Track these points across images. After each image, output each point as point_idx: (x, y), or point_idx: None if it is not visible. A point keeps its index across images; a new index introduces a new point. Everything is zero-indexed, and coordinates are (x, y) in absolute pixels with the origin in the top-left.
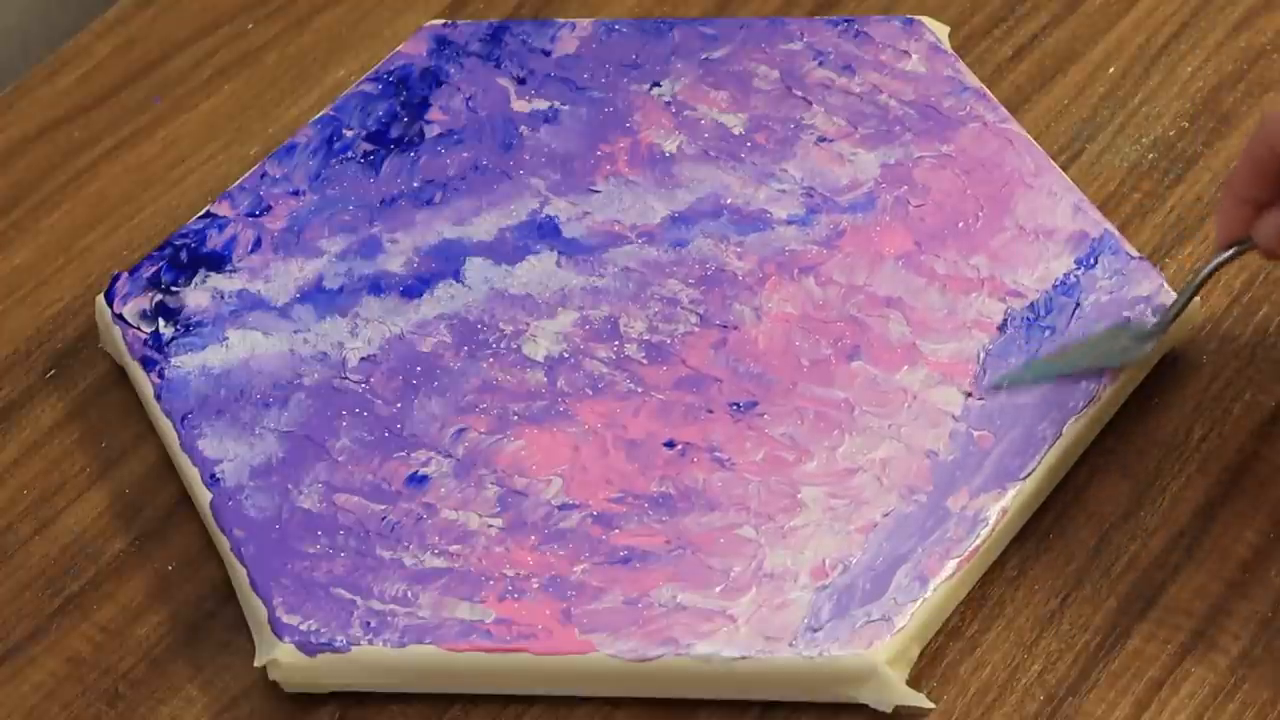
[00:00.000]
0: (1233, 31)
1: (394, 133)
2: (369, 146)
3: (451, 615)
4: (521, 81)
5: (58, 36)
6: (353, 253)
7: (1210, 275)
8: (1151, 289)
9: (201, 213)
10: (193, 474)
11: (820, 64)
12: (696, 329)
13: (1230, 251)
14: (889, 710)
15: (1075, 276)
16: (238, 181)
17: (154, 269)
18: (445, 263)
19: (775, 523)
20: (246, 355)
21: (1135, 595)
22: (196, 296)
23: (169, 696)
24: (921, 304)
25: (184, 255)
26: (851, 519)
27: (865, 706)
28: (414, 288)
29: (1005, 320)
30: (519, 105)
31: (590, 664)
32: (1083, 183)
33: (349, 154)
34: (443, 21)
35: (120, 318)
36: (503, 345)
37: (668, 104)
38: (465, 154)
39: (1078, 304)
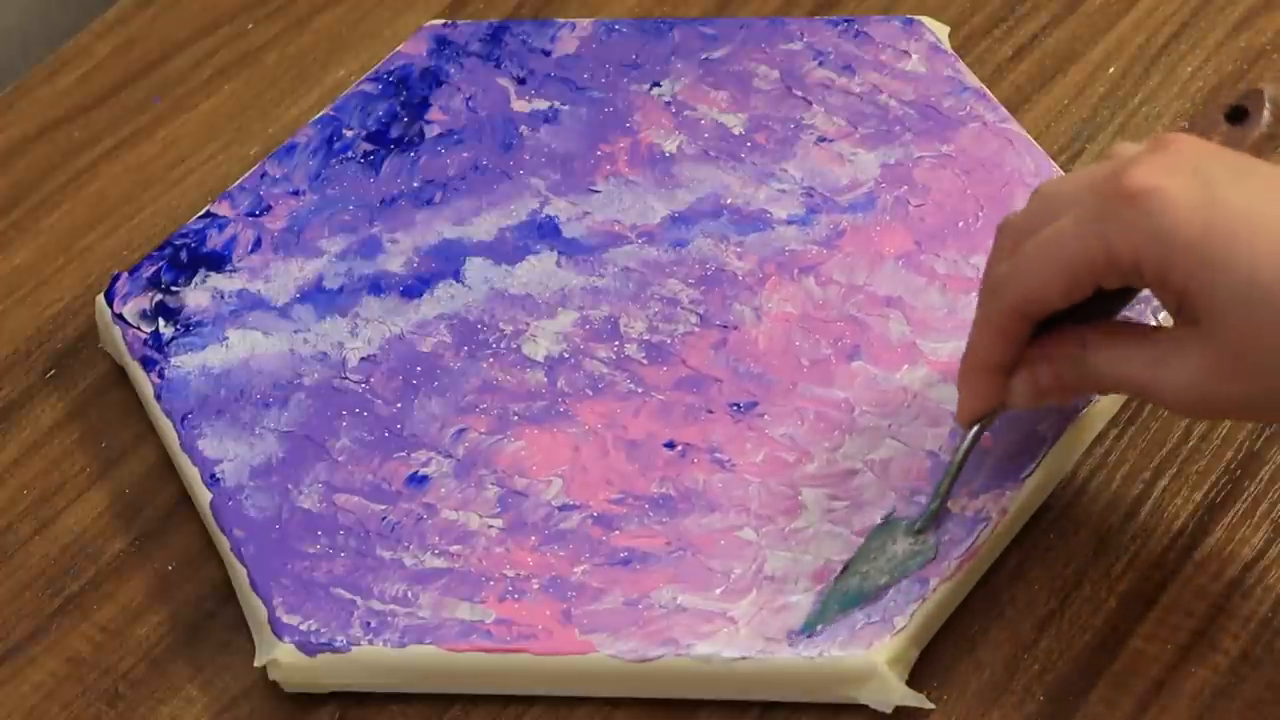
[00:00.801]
0: (1233, 31)
1: (394, 133)
2: (369, 146)
3: (451, 615)
4: (521, 81)
5: (58, 36)
6: (353, 253)
7: (966, 456)
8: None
9: (201, 213)
10: (193, 474)
11: (820, 64)
12: (696, 329)
13: (977, 427)
14: (889, 710)
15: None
16: (238, 181)
17: (154, 269)
18: (445, 263)
19: (776, 525)
20: (246, 355)
21: (1135, 595)
22: (196, 296)
23: (169, 696)
24: (922, 303)
25: (184, 255)
26: (852, 521)
27: (865, 707)
28: (414, 288)
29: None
30: (519, 105)
31: (590, 664)
32: None
33: (349, 154)
34: (443, 21)
35: (120, 318)
36: (503, 345)
37: (668, 104)
38: (465, 154)
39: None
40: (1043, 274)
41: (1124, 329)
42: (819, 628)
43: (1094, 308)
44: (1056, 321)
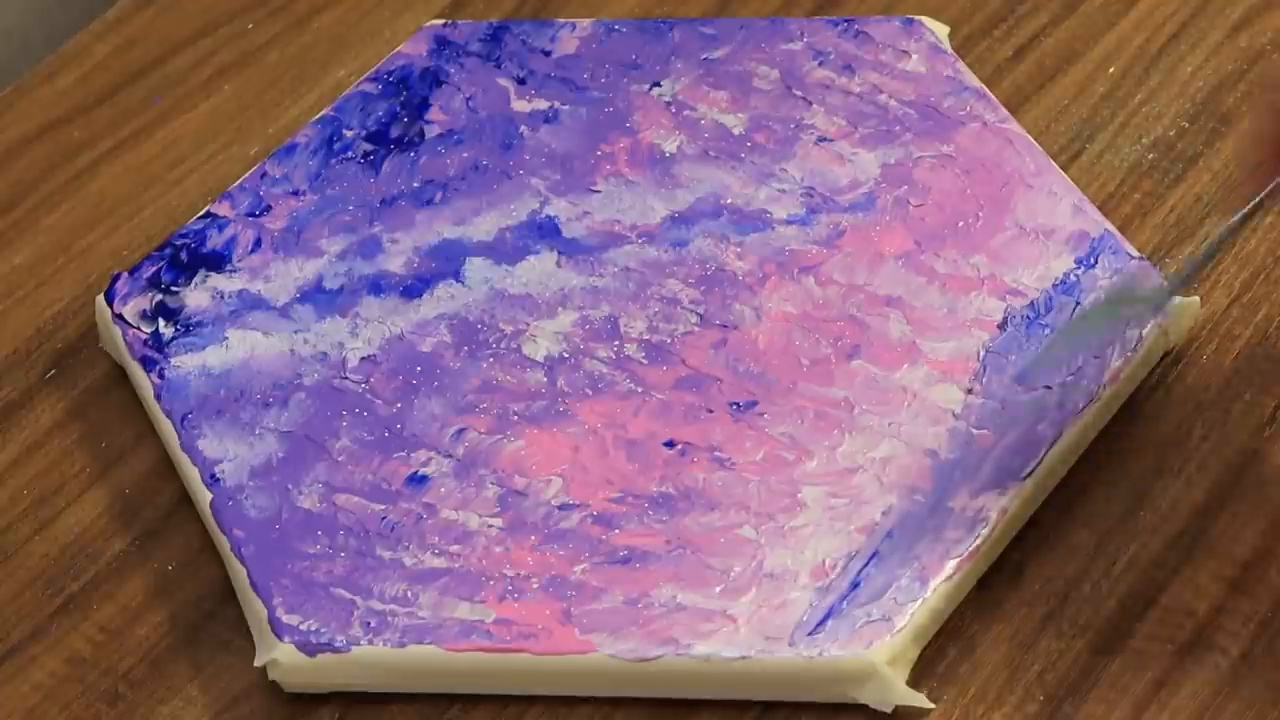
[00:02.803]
0: (1233, 31)
1: (394, 133)
2: (369, 146)
3: (451, 615)
4: (521, 81)
5: (58, 36)
6: (353, 253)
7: (1239, 226)
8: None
9: (201, 213)
10: (193, 474)
11: (820, 64)
12: (696, 329)
13: (1261, 196)
14: (889, 710)
15: (1075, 276)
16: (238, 181)
17: (154, 269)
18: (445, 263)
19: (775, 522)
20: (246, 355)
21: (1135, 595)
22: (196, 296)
23: (169, 696)
24: (922, 303)
25: (184, 255)
26: (852, 519)
27: (865, 706)
28: (414, 288)
29: (1005, 319)
30: (519, 105)
31: (590, 664)
32: (1083, 183)
33: (349, 154)
34: (443, 21)
35: (120, 318)
36: (503, 345)
37: (668, 104)
38: (465, 154)
39: (1078, 303)
40: None
41: None
42: (1039, 369)
43: None
44: None
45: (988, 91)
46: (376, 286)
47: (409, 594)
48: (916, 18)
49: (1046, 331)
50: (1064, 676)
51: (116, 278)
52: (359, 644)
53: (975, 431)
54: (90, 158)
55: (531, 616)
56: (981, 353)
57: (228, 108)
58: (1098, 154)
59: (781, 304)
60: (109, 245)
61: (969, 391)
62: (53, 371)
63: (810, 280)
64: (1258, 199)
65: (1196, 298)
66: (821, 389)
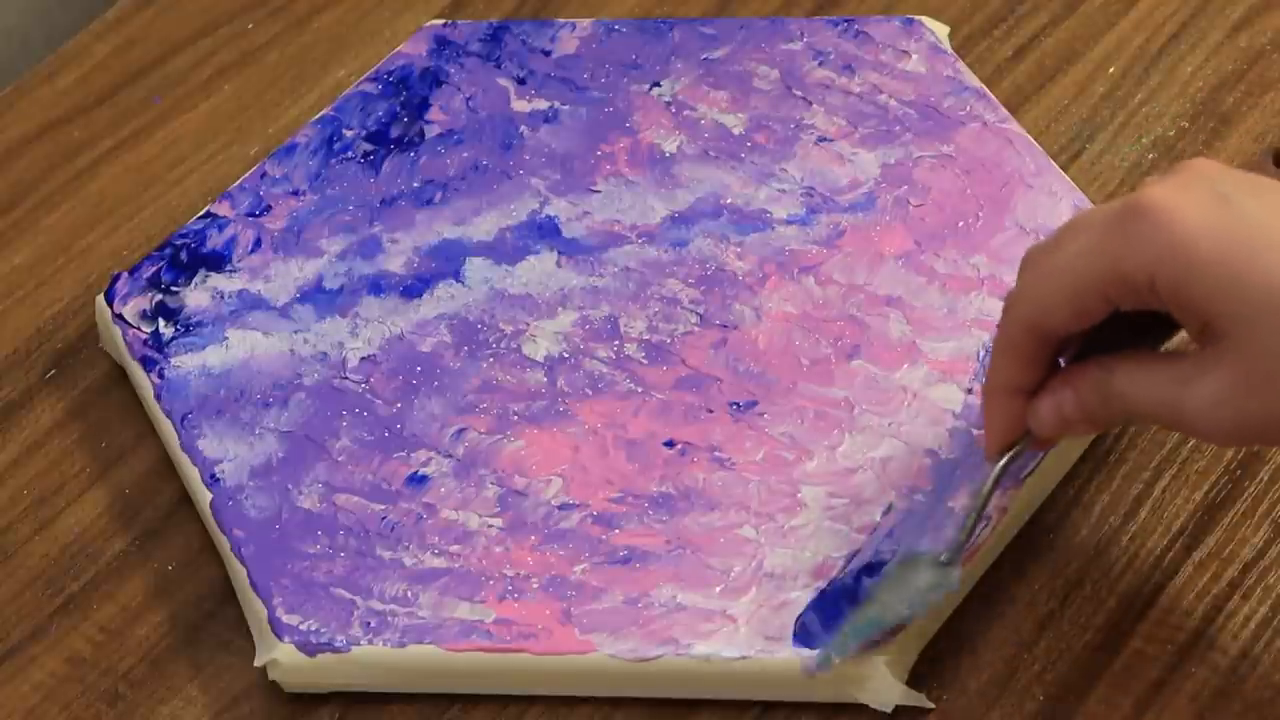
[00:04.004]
0: (1233, 31)
1: (394, 133)
2: (369, 146)
3: (451, 615)
4: (521, 81)
5: (58, 36)
6: (353, 253)
7: (995, 487)
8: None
9: (201, 213)
10: (193, 474)
11: (820, 64)
12: (696, 329)
13: (1007, 457)
14: (889, 710)
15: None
16: (238, 181)
17: (154, 269)
18: (445, 263)
19: (775, 522)
20: (246, 355)
21: (1135, 595)
22: (196, 296)
23: (169, 696)
24: (922, 303)
25: (184, 255)
26: (851, 518)
27: (865, 706)
28: (414, 288)
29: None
30: (519, 105)
31: (590, 664)
32: (1083, 183)
33: (349, 154)
34: (443, 21)
35: (120, 318)
36: (503, 345)
37: (668, 104)
38: (465, 154)
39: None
40: (1052, 292)
41: (1149, 354)
42: (835, 660)
43: (1126, 340)
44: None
45: (988, 91)
46: (376, 286)
47: (409, 594)
48: (916, 18)
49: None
50: (1064, 676)
51: (116, 278)
52: (359, 644)
53: (975, 431)
54: (90, 158)
55: (531, 616)
56: (981, 353)
57: (228, 108)
58: (1098, 154)
59: (781, 304)
60: (109, 245)
61: (969, 391)
62: (53, 371)
63: (810, 280)
64: (1003, 462)
65: None
66: (821, 389)
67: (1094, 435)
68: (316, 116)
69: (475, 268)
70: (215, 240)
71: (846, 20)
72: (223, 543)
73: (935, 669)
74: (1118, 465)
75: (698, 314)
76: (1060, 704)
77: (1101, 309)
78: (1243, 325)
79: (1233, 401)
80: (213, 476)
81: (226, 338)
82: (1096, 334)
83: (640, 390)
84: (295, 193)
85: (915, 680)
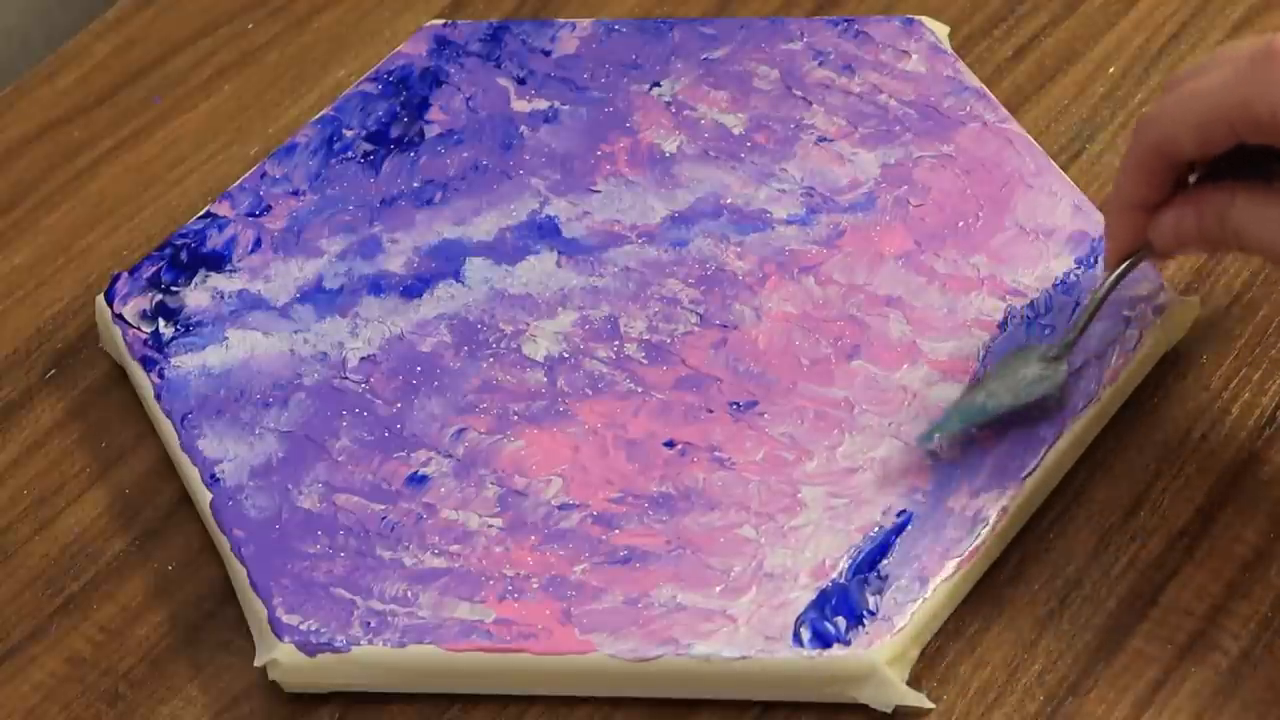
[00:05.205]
0: (1232, 31)
1: (394, 133)
2: (369, 146)
3: (451, 615)
4: (521, 81)
5: (58, 36)
6: (353, 253)
7: (1111, 291)
8: (1151, 289)
9: (201, 213)
10: (193, 474)
11: (820, 64)
12: (696, 329)
13: (1126, 264)
14: (889, 710)
15: (1075, 276)
16: (238, 181)
17: (154, 269)
18: (445, 263)
19: (775, 522)
20: (246, 355)
21: (1135, 595)
22: (196, 296)
23: (169, 696)
24: (922, 303)
25: (184, 255)
26: (852, 519)
27: (865, 706)
28: (414, 288)
29: (1006, 318)
30: (519, 105)
31: (590, 664)
32: (1083, 183)
33: (349, 154)
34: (443, 21)
35: (120, 318)
36: (503, 345)
37: (668, 104)
38: (465, 154)
39: (1077, 303)
40: (1181, 117)
41: (1271, 190)
42: (936, 436)
43: (1253, 171)
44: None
45: (988, 91)
46: (376, 286)
47: (409, 594)
48: (916, 18)
49: (1046, 332)
50: (1064, 676)
51: (116, 278)
52: (359, 644)
53: (975, 431)
54: (90, 158)
55: (531, 616)
56: (982, 353)
57: (228, 108)
58: (1098, 154)
59: (781, 304)
60: (109, 245)
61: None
62: (53, 371)
63: (810, 280)
64: (1120, 270)
65: (1196, 298)
66: (821, 389)
67: (1207, 253)
68: (316, 116)
69: (475, 268)
70: (215, 240)
71: (846, 20)
72: (223, 543)
73: (935, 669)
74: (1118, 464)
75: (698, 314)
76: (1060, 704)
77: (1227, 140)
78: None
79: None
80: (213, 476)
81: (226, 338)
82: (1226, 159)
83: (640, 390)
84: (295, 193)
85: (915, 680)
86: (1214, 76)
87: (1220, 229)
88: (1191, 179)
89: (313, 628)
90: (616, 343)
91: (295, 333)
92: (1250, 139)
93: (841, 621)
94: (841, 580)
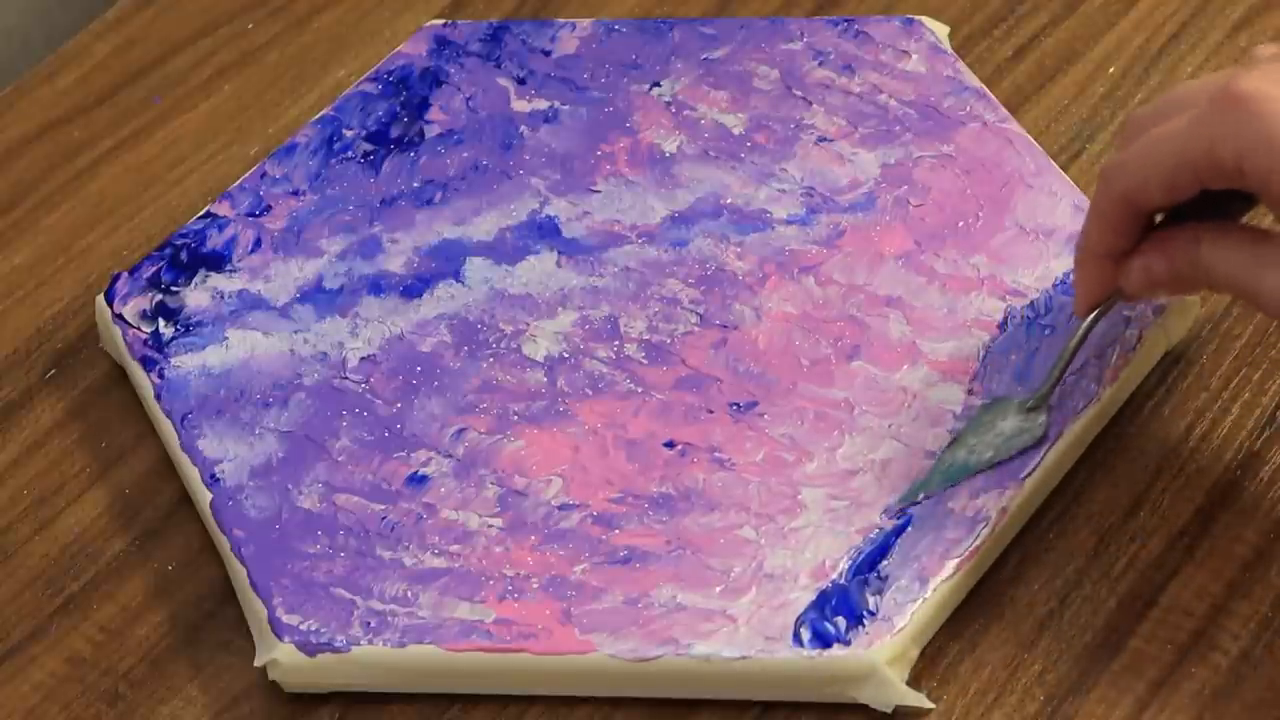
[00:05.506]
0: (1233, 31)
1: (394, 133)
2: (369, 146)
3: (451, 615)
4: (521, 81)
5: (58, 36)
6: (353, 253)
7: (1083, 340)
8: None
9: (201, 213)
10: (193, 474)
11: (820, 64)
12: (696, 329)
13: (1095, 313)
14: (889, 710)
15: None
16: (238, 181)
17: (154, 269)
18: (445, 263)
19: (775, 523)
20: (246, 355)
21: (1135, 595)
22: (196, 296)
23: (169, 696)
24: (922, 303)
25: (184, 255)
26: (852, 520)
27: (865, 706)
28: (414, 288)
29: (1006, 318)
30: (519, 105)
31: (590, 664)
32: (1083, 183)
33: (349, 154)
34: (443, 21)
35: (120, 318)
36: (503, 345)
37: (668, 104)
38: (465, 154)
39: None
40: (1147, 168)
41: (1239, 229)
42: (920, 496)
43: (1215, 209)
44: (1179, 220)
45: (988, 91)
46: (376, 286)
47: (409, 594)
48: (916, 18)
49: (1046, 332)
50: (1064, 676)
51: (116, 278)
52: (359, 644)
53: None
54: (90, 158)
55: (531, 616)
56: (982, 353)
57: (228, 108)
58: (1098, 154)
59: (781, 304)
60: (109, 245)
61: (969, 392)
62: (53, 371)
63: (810, 280)
64: (1090, 319)
65: (1196, 298)
66: (821, 389)
67: (1183, 295)
68: (316, 116)
69: (475, 268)
70: (215, 240)
71: (846, 20)
72: (223, 543)
73: (935, 669)
74: (1118, 465)
75: (698, 314)
76: (1060, 704)
77: (1194, 187)
78: None
79: None
80: (213, 476)
81: (226, 338)
82: (1190, 201)
83: (640, 390)
84: (295, 193)
85: (915, 680)
86: (1176, 125)
87: (1189, 269)
88: (1158, 218)
89: (313, 628)
90: (616, 343)
91: (295, 333)
92: (1214, 185)
93: (841, 622)
94: (841, 581)
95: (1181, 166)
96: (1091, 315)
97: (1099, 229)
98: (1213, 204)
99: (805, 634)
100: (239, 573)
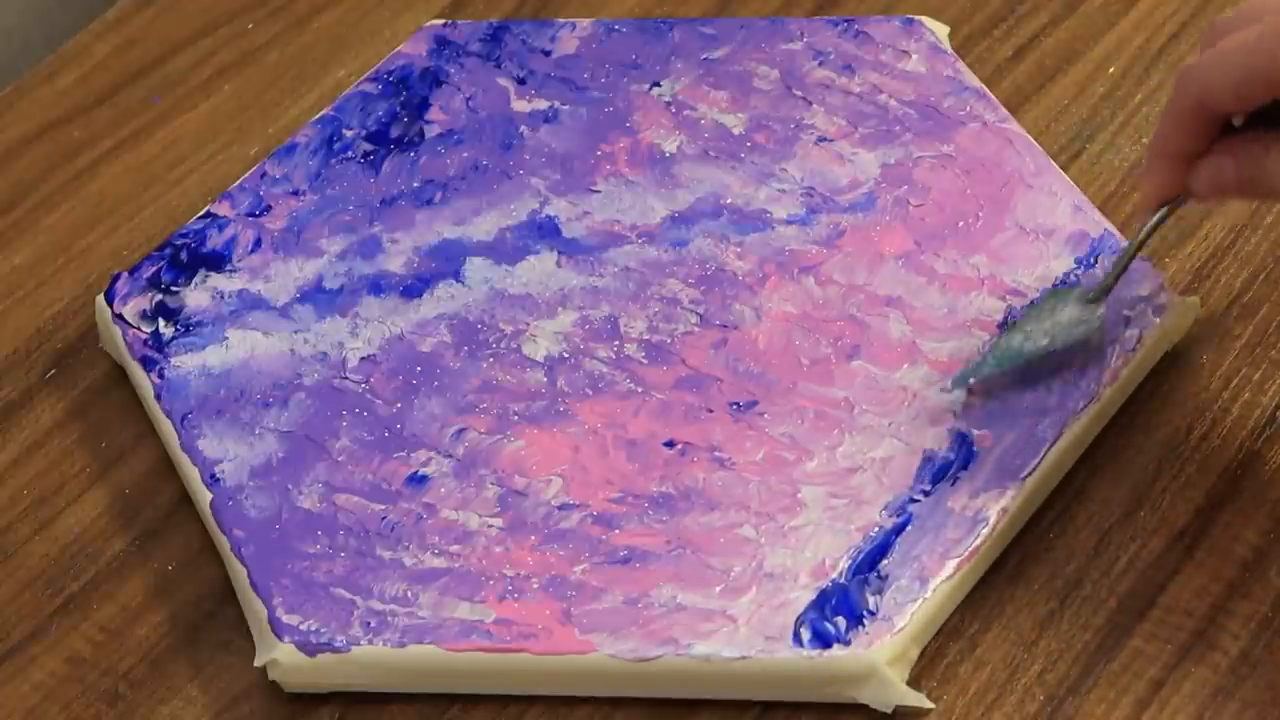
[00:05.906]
0: None
1: (394, 133)
2: (369, 146)
3: (451, 615)
4: (521, 81)
5: (58, 36)
6: (353, 253)
7: (1149, 235)
8: (1151, 289)
9: (201, 213)
10: (193, 474)
11: (820, 64)
12: (696, 329)
13: (1164, 210)
14: (889, 710)
15: (1075, 276)
16: (238, 181)
17: (154, 269)
18: (445, 263)
19: (775, 522)
20: (246, 355)
21: (1135, 595)
22: (196, 296)
23: (169, 696)
24: (921, 303)
25: (184, 255)
26: (852, 519)
27: (865, 706)
28: (414, 288)
29: (1006, 318)
30: (519, 105)
31: (590, 664)
32: (1083, 183)
33: (349, 154)
34: (443, 21)
35: (120, 318)
36: (503, 345)
37: (668, 104)
38: (465, 154)
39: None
40: (1220, 73)
41: None
42: (971, 380)
43: None
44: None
45: (988, 91)
46: (376, 286)
47: (409, 594)
48: (916, 18)
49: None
50: (1064, 676)
51: (116, 278)
52: (359, 644)
53: (975, 431)
54: (90, 158)
55: (531, 616)
56: (982, 352)
57: (228, 108)
58: (1098, 154)
59: (781, 304)
60: (109, 245)
61: (969, 392)
62: (53, 371)
63: (810, 280)
64: (1159, 215)
65: (1196, 298)
66: (821, 389)
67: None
68: (316, 116)
69: (475, 268)
70: (215, 240)
71: (846, 20)
72: (223, 543)
73: (935, 669)
74: (1118, 465)
75: (698, 314)
76: (1060, 704)
77: (1265, 95)
78: None
79: None
80: (213, 476)
81: (226, 338)
82: (1265, 109)
83: (640, 390)
84: (295, 193)
85: (915, 680)
86: (1247, 35)
87: (1255, 177)
88: (1237, 122)
89: (313, 628)
90: (616, 343)
91: (295, 333)
92: None
93: (841, 621)
94: (841, 580)
95: (1249, 75)
96: (1159, 213)
97: (1172, 130)
98: None
99: (805, 634)
100: (239, 573)
